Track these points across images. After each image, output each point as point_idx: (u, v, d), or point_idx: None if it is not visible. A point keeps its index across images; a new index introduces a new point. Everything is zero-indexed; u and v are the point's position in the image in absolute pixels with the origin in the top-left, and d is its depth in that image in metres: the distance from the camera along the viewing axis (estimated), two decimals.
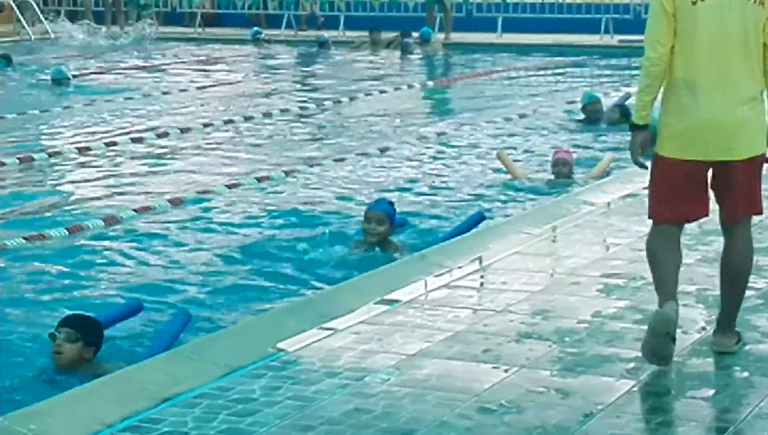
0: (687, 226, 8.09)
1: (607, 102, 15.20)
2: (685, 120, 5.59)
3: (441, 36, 26.01)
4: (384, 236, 8.57)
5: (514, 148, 13.33)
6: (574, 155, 11.81)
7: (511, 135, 14.48)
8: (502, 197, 10.83)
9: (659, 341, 5.42)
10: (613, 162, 11.40)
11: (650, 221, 5.79)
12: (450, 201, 10.68)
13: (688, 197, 5.72)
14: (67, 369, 6.23)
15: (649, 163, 5.70)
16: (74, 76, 20.02)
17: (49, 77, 19.93)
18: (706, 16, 5.51)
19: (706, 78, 5.56)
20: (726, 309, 5.87)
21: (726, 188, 5.72)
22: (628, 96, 15.37)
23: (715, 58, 5.55)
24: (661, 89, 5.67)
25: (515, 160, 11.98)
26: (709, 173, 5.72)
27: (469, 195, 10.95)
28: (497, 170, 11.81)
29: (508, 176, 11.47)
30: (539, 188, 10.99)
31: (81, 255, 8.96)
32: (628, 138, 5.70)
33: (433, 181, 11.66)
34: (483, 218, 9.04)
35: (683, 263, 6.39)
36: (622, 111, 14.51)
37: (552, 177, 11.23)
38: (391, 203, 8.91)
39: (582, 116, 15.02)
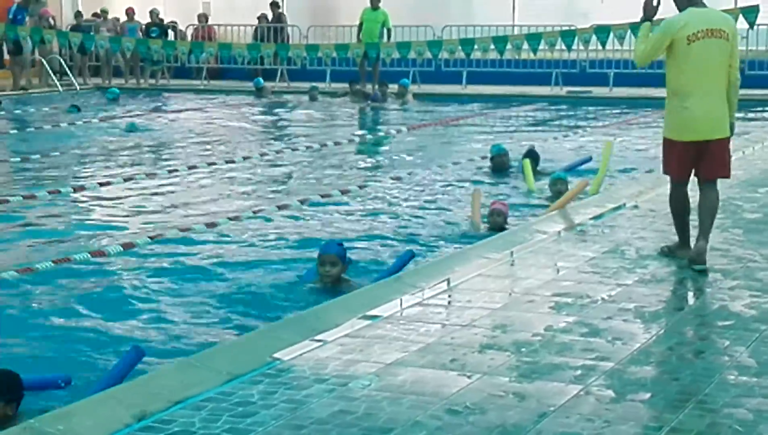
0: (626, 250, 8.22)
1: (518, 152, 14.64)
2: (683, 116, 7.75)
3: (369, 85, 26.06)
4: (338, 276, 8.20)
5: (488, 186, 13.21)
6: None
7: (465, 179, 14.05)
8: (444, 239, 10.40)
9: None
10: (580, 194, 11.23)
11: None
12: (400, 238, 10.34)
13: (688, 164, 7.87)
14: None
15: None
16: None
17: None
18: (696, 51, 7.68)
19: (696, 89, 7.70)
20: (704, 232, 7.88)
21: (706, 159, 7.83)
22: (588, 159, 14.89)
23: (701, 77, 7.71)
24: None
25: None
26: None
27: (413, 236, 10.51)
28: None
29: (467, 216, 11.02)
30: (478, 233, 10.48)
31: (96, 279, 8.94)
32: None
33: (387, 220, 11.30)
34: (413, 256, 8.63)
35: (624, 284, 6.88)
36: (534, 159, 14.01)
37: (487, 225, 10.64)
38: (341, 244, 8.51)
39: (490, 166, 14.37)
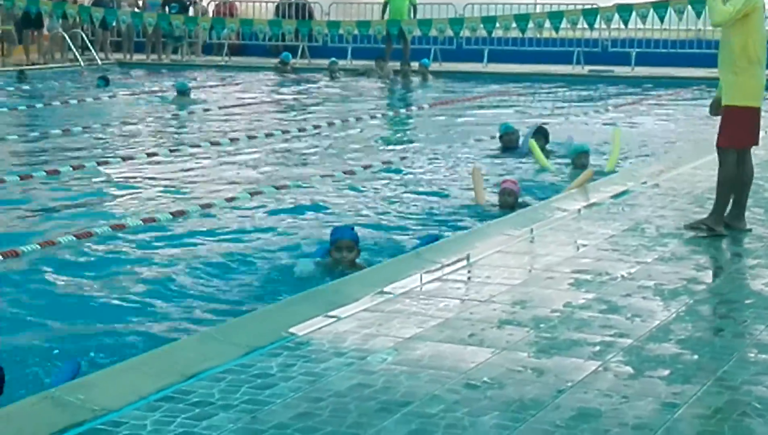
0: (646, 228, 8.21)
1: (525, 131, 14.35)
2: (762, 82, 8.12)
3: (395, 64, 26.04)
4: (353, 261, 8.05)
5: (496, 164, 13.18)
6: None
7: (485, 156, 13.96)
8: (459, 218, 10.23)
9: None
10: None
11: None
12: (413, 220, 10.22)
13: (754, 129, 8.25)
14: None
15: None
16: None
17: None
18: (762, 21, 8.15)
19: (765, 57, 8.13)
20: (742, 205, 8.35)
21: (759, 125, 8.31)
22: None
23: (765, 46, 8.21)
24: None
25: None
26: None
27: (429, 215, 10.41)
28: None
29: (471, 199, 10.79)
30: (491, 214, 10.21)
31: (116, 255, 8.97)
32: None
33: (401, 200, 11.18)
34: (437, 238, 8.42)
35: (643, 262, 6.92)
36: (545, 136, 13.83)
37: (497, 206, 10.36)
38: (353, 229, 8.32)
39: (498, 145, 14.23)
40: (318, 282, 7.59)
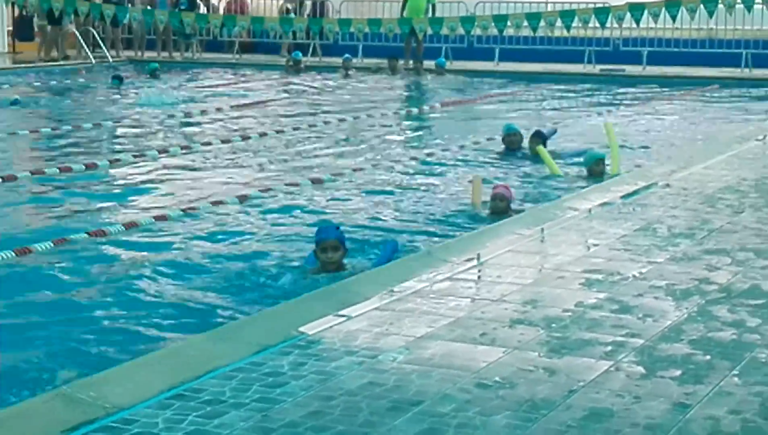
0: (658, 228, 8.19)
1: (527, 132, 14.21)
2: None
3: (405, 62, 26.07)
4: (339, 261, 7.96)
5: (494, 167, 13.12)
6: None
7: (488, 157, 13.90)
8: (455, 222, 10.12)
9: None
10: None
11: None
12: (406, 221, 10.16)
13: None
14: None
15: None
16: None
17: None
18: None
19: None
20: None
21: None
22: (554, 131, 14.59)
23: None
24: None
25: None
26: None
27: (424, 216, 10.33)
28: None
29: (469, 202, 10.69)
30: (482, 217, 10.18)
31: (134, 246, 8.97)
32: None
33: (402, 199, 11.16)
34: (396, 247, 8.18)
35: (655, 262, 6.92)
36: (543, 139, 13.44)
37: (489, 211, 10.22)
38: (338, 228, 8.16)
39: (502, 147, 14.09)
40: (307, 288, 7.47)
